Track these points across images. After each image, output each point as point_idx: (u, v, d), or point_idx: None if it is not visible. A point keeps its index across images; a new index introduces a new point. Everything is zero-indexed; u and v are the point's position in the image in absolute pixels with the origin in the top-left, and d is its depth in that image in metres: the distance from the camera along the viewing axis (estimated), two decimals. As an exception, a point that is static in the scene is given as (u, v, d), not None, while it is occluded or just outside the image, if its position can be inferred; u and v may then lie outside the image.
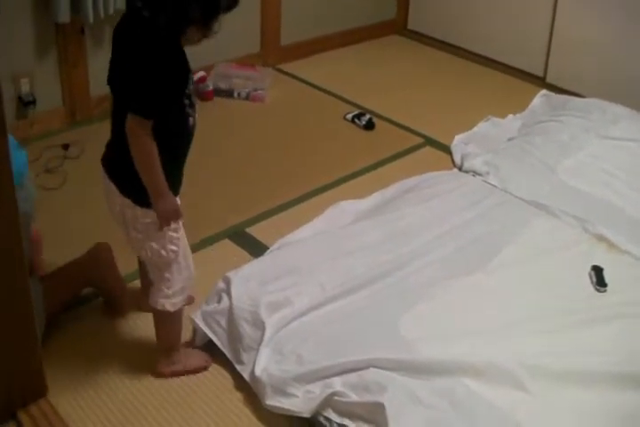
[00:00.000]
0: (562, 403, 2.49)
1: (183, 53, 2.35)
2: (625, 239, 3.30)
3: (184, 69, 2.35)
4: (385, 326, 2.70)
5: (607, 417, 2.47)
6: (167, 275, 2.59)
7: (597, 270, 3.06)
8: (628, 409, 2.49)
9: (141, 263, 2.83)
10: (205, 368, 2.77)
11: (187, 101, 2.40)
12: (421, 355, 2.56)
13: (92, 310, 3.04)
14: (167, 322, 2.70)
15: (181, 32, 2.31)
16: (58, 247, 3.26)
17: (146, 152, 2.35)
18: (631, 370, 2.61)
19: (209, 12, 2.31)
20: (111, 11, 4.07)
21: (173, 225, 2.50)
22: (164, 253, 2.53)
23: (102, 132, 4.15)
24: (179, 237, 2.55)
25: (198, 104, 4.42)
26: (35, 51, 4.12)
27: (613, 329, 2.79)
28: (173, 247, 2.54)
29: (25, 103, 4.14)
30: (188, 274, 2.64)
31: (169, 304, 2.62)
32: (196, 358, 2.79)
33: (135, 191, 2.45)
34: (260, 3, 5.05)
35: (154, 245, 2.52)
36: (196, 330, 2.86)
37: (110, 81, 2.47)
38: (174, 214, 2.47)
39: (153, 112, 2.32)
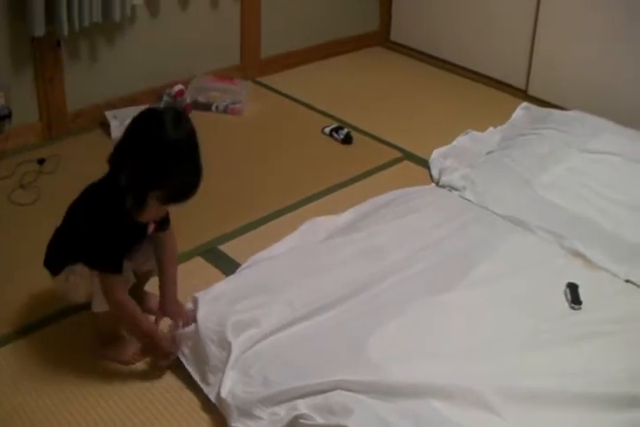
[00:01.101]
0: (534, 426, 2.45)
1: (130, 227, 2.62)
2: (602, 255, 3.26)
3: (125, 238, 2.62)
4: (352, 347, 2.65)
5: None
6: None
7: (572, 288, 3.02)
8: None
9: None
10: (132, 363, 2.84)
11: (126, 259, 2.66)
12: (389, 376, 2.52)
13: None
14: (103, 318, 2.81)
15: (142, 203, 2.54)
16: (29, 264, 3.22)
17: (117, 304, 2.65)
18: (607, 391, 2.56)
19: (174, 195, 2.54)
20: (86, 23, 4.04)
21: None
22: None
23: (78, 147, 4.18)
24: None
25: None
26: (10, 64, 4.08)
27: (588, 348, 2.75)
28: None
29: (0, 117, 4.10)
30: None
31: (95, 306, 2.75)
32: (127, 351, 2.86)
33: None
34: (239, 14, 5.02)
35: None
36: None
37: None
38: (167, 352, 2.77)
39: (115, 267, 2.61)
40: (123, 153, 2.51)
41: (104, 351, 2.86)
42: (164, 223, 2.81)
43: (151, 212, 2.60)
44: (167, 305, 2.83)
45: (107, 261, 2.59)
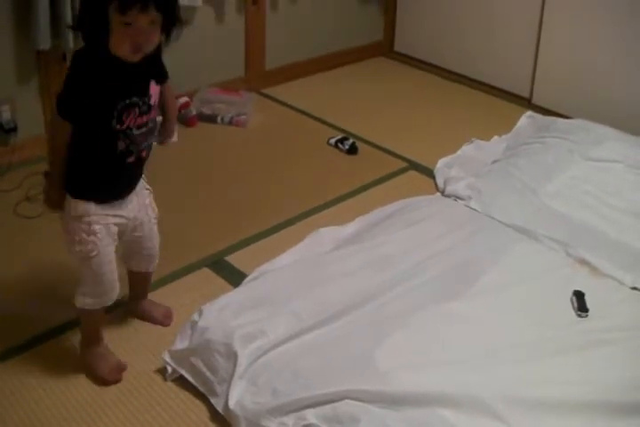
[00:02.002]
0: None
1: (112, 71, 2.41)
2: (608, 263, 3.26)
3: (103, 86, 2.39)
4: (360, 357, 2.65)
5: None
6: (80, 272, 2.74)
7: (579, 296, 3.02)
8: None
9: (130, 273, 3.00)
10: (110, 380, 2.79)
11: (117, 125, 2.45)
12: (396, 386, 2.51)
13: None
14: (81, 317, 2.84)
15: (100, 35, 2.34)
16: (37, 276, 3.25)
17: (51, 140, 2.56)
18: (614, 399, 2.56)
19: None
20: (92, 37, 4.05)
21: (84, 226, 2.61)
22: (72, 249, 2.67)
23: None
24: (91, 242, 2.63)
25: (183, 130, 4.49)
26: (16, 78, 4.11)
27: (595, 356, 2.74)
28: (78, 248, 2.65)
29: (6, 130, 4.13)
30: (99, 289, 2.74)
31: (76, 299, 2.76)
32: (105, 368, 2.81)
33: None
34: (244, 27, 5.04)
35: (65, 237, 2.69)
36: (165, 367, 2.82)
37: None
38: (48, 200, 2.66)
39: (65, 113, 2.43)
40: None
41: (86, 358, 2.84)
42: (160, 73, 2.64)
43: (119, 32, 2.32)
44: (169, 122, 2.91)
45: (62, 100, 2.44)
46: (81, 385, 2.79)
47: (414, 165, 4.34)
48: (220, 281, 3.32)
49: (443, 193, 3.95)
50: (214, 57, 4.93)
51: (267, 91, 5.20)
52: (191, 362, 2.75)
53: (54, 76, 4.18)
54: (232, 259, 3.47)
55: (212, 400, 2.67)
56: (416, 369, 2.61)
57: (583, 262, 3.26)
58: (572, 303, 3.00)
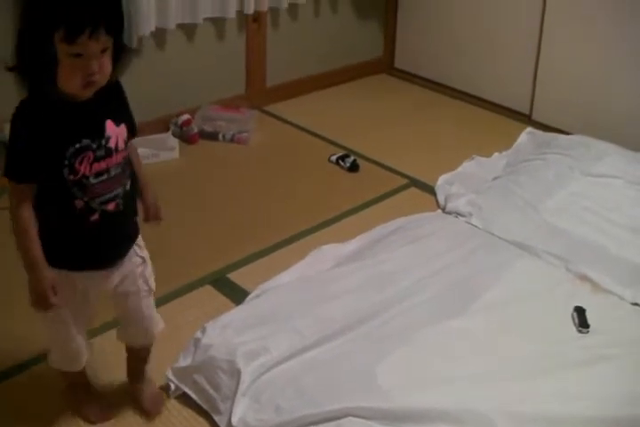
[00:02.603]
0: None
1: (57, 115, 2.10)
2: (608, 279, 3.27)
3: (48, 131, 2.08)
4: (363, 374, 2.66)
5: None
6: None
7: (580, 311, 3.03)
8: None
9: (127, 349, 2.75)
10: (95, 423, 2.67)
11: (68, 176, 2.14)
12: (399, 403, 2.53)
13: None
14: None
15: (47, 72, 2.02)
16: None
17: (14, 218, 2.16)
18: (616, 414, 2.57)
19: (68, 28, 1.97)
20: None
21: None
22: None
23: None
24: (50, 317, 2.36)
25: (184, 147, 4.51)
26: (17, 96, 4.11)
27: (597, 372, 2.75)
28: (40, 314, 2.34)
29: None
30: (61, 352, 2.54)
31: (49, 357, 2.60)
32: (90, 413, 2.69)
33: None
34: (245, 44, 5.06)
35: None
36: (169, 384, 2.83)
37: None
38: (39, 299, 2.25)
39: (17, 174, 2.13)
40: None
41: (69, 399, 2.71)
42: (121, 115, 2.27)
43: (67, 66, 2.01)
44: (147, 196, 2.51)
45: (10, 163, 2.12)
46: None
47: (415, 182, 4.36)
48: (223, 298, 3.32)
49: (444, 210, 3.96)
50: (216, 74, 4.96)
51: (268, 108, 5.22)
52: (194, 379, 2.75)
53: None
54: (234, 276, 3.48)
55: (216, 418, 2.67)
56: (418, 386, 2.62)
57: (584, 278, 3.28)
58: (573, 319, 3.01)
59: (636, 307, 3.15)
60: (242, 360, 2.69)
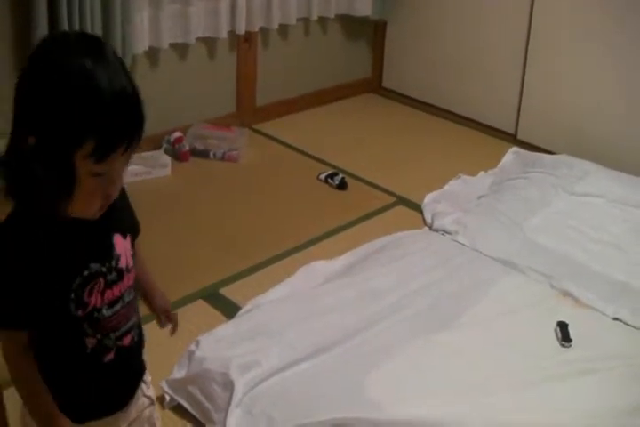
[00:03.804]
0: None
1: (63, 237, 1.65)
2: (591, 294, 3.37)
3: (48, 263, 1.63)
4: (352, 386, 2.73)
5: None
6: None
7: (562, 326, 3.12)
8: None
9: None
10: None
11: (76, 311, 1.69)
12: (387, 414, 2.60)
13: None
14: None
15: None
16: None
17: (12, 369, 1.74)
18: (595, 424, 2.65)
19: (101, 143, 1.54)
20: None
21: None
22: None
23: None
24: None
25: (176, 165, 4.58)
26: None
27: (578, 384, 2.84)
28: None
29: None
30: None
31: None
32: None
33: None
34: (236, 63, 5.14)
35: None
36: (163, 395, 2.88)
37: None
38: None
39: (9, 320, 1.69)
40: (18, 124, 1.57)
41: None
42: (124, 221, 1.84)
43: (88, 186, 1.58)
44: (158, 301, 2.13)
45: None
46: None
47: (402, 200, 4.43)
48: (215, 313, 3.39)
49: (430, 227, 4.03)
50: (207, 93, 5.03)
51: (258, 126, 5.29)
52: (189, 391, 2.81)
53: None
54: (226, 291, 3.54)
55: (209, 428, 2.74)
56: (406, 397, 2.70)
57: (566, 294, 3.37)
58: (556, 334, 3.09)
59: (617, 322, 3.24)
60: (235, 372, 2.75)
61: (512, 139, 5.25)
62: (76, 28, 3.93)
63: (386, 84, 6.07)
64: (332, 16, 5.48)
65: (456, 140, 5.28)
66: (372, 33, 5.96)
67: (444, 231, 3.90)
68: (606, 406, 2.73)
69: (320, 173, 4.63)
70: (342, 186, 4.53)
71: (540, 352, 3.00)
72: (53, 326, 1.71)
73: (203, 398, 2.77)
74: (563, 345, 3.04)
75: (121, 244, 1.77)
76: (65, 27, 3.88)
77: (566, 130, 4.97)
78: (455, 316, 3.18)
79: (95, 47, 1.58)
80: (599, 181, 4.24)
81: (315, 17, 5.35)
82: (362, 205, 4.36)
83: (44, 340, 1.73)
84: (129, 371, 1.92)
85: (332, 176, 4.58)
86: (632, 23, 4.55)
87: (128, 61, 4.31)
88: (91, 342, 1.74)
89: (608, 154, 4.65)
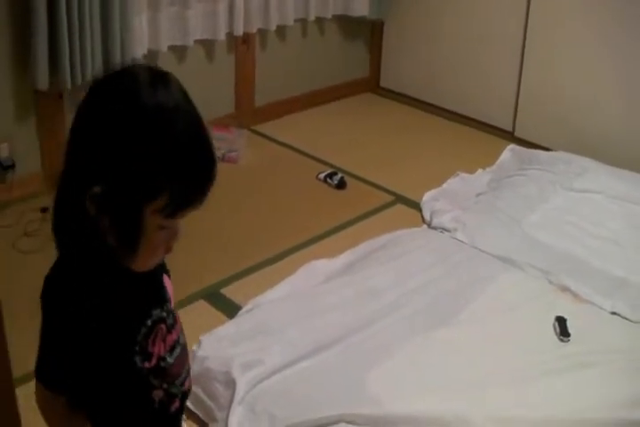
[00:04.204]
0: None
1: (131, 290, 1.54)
2: (588, 289, 3.39)
3: (122, 319, 1.49)
4: (353, 383, 2.76)
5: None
6: None
7: (561, 321, 3.14)
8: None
9: None
10: None
11: (142, 364, 1.53)
12: (388, 409, 2.63)
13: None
14: None
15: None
16: (35, 312, 3.32)
17: None
18: (594, 416, 2.68)
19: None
20: (89, 76, 4.14)
21: None
22: None
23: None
24: None
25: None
26: (14, 116, 4.20)
27: (578, 379, 2.86)
28: None
29: (4, 167, 4.21)
30: None
31: None
32: None
33: None
34: (234, 65, 5.17)
35: None
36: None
37: None
38: None
39: (55, 382, 1.54)
40: (80, 165, 1.43)
41: None
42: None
43: (155, 240, 1.47)
44: None
45: (48, 365, 1.55)
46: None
47: (401, 199, 4.46)
48: (216, 312, 3.41)
49: (429, 225, 4.06)
50: (206, 95, 5.02)
51: (257, 127, 5.31)
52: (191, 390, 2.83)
53: (51, 114, 4.30)
54: (227, 291, 3.57)
55: (211, 425, 2.76)
56: (407, 394, 2.73)
57: (565, 289, 3.39)
58: (555, 329, 3.12)
59: (615, 316, 3.27)
60: (237, 371, 2.78)
61: (510, 136, 5.27)
62: (75, 31, 3.96)
63: (383, 83, 6.09)
64: (330, 16, 5.50)
65: (454, 139, 5.30)
66: (369, 33, 5.98)
67: (443, 229, 3.92)
68: (605, 400, 2.76)
69: (319, 173, 4.66)
70: (341, 185, 4.55)
71: (538, 347, 3.03)
72: (115, 385, 1.54)
73: (205, 397, 2.80)
74: (561, 340, 3.06)
75: (168, 283, 1.69)
76: (64, 31, 3.91)
77: (564, 127, 4.99)
78: (454, 313, 3.20)
79: (166, 83, 1.45)
80: (597, 177, 4.26)
81: (312, 17, 5.38)
82: (361, 204, 4.38)
83: (104, 400, 1.56)
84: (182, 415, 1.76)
85: (331, 176, 4.60)
86: (631, 19, 4.57)
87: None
88: (158, 394, 1.59)
89: (606, 150, 4.67)
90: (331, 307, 3.20)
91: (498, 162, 4.79)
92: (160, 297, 1.61)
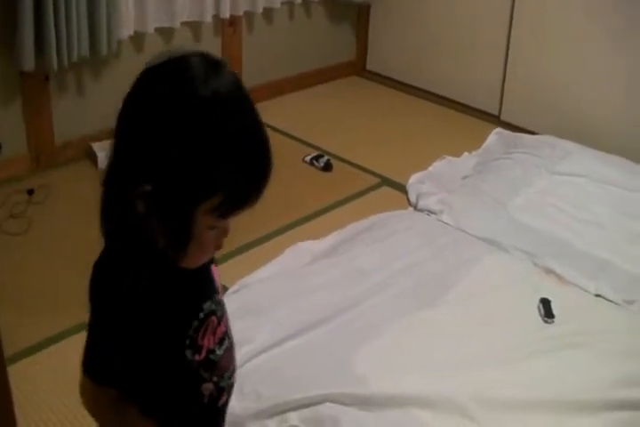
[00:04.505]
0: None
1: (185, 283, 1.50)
2: (573, 272, 3.42)
3: (178, 310, 1.48)
4: (340, 362, 2.78)
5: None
6: None
7: (545, 302, 3.17)
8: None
9: None
10: None
11: (194, 356, 1.52)
12: (374, 389, 2.65)
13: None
14: None
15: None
16: (22, 292, 3.33)
17: None
18: (580, 397, 2.70)
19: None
20: (75, 58, 4.14)
21: None
22: None
23: (67, 178, 4.28)
24: None
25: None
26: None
27: (563, 359, 2.89)
28: None
29: (-10, 150, 4.21)
30: None
31: None
32: None
33: None
34: (220, 46, 5.16)
35: None
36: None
37: None
38: None
39: (106, 376, 1.49)
40: (129, 156, 1.39)
41: None
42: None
43: (205, 240, 1.44)
44: None
45: (102, 358, 1.49)
46: (72, 393, 2.88)
47: (387, 181, 4.47)
48: (203, 294, 3.41)
49: (415, 208, 4.07)
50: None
51: (243, 109, 5.29)
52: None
53: (37, 96, 4.29)
54: (213, 272, 3.57)
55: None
56: (392, 373, 2.75)
57: (549, 272, 3.42)
58: (539, 310, 3.14)
59: (599, 298, 3.30)
60: (224, 351, 2.79)
61: (496, 120, 5.28)
62: (62, 12, 3.95)
63: (370, 66, 6.09)
64: (316, -1, 5.50)
65: (440, 122, 5.31)
66: (355, 16, 5.98)
67: (429, 211, 3.93)
68: (590, 380, 2.78)
69: (305, 156, 4.66)
70: (327, 168, 4.56)
71: (523, 329, 3.05)
72: (165, 378, 1.52)
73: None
74: (545, 321, 3.09)
75: (216, 273, 1.64)
76: (50, 12, 3.90)
77: (549, 110, 5.01)
78: (440, 294, 3.22)
79: (220, 71, 1.39)
80: (581, 160, 4.28)
81: (299, 0, 5.38)
82: (347, 187, 4.39)
83: (154, 395, 1.54)
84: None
85: (317, 158, 4.61)
86: (620, 2, 4.57)
87: (113, 47, 4.33)
88: (208, 388, 1.57)
89: (591, 134, 4.69)
90: (318, 287, 3.21)
91: (484, 145, 4.80)
92: (210, 289, 1.58)
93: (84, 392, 1.52)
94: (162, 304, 1.43)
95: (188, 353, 1.50)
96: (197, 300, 1.52)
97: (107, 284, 1.44)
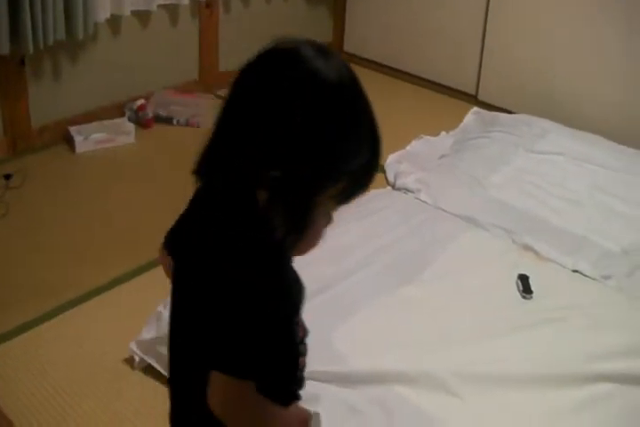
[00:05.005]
0: (491, 405, 2.59)
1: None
2: (550, 248, 3.45)
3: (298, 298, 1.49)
4: (320, 340, 2.72)
5: (535, 415, 2.59)
6: None
7: (523, 279, 3.19)
8: (552, 405, 2.61)
9: None
10: None
11: (299, 334, 1.57)
12: (354, 366, 2.66)
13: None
14: None
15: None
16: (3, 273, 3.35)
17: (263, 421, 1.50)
18: (561, 371, 2.73)
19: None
20: (51, 41, 4.12)
21: None
22: None
23: (44, 162, 4.28)
24: None
25: (139, 131, 4.60)
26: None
27: (541, 334, 2.91)
28: None
29: (-34, 134, 4.19)
30: None
31: None
32: None
33: None
34: (198, 30, 5.15)
35: None
36: (133, 357, 2.94)
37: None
38: None
39: (250, 369, 1.42)
40: (244, 144, 1.38)
41: None
42: None
43: (319, 227, 1.48)
44: None
45: (221, 353, 1.42)
46: (49, 375, 2.91)
47: (365, 161, 4.46)
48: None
49: (393, 187, 4.09)
50: (170, 60, 5.03)
51: (221, 92, 5.27)
52: (159, 351, 2.85)
53: (13, 79, 4.27)
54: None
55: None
56: (373, 351, 2.76)
57: (527, 248, 3.44)
58: (518, 286, 3.17)
59: (576, 274, 3.33)
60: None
61: (473, 100, 5.31)
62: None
63: (347, 48, 6.09)
64: (293, -20, 5.49)
65: (418, 102, 5.33)
66: (332, -3, 5.97)
67: (407, 190, 3.95)
68: (568, 354, 2.80)
69: (284, 137, 4.64)
70: (307, 149, 4.54)
71: (502, 304, 3.07)
72: (283, 360, 1.54)
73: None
74: (524, 297, 3.11)
75: None
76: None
77: (526, 90, 5.04)
78: (418, 271, 3.23)
79: (332, 56, 1.41)
80: (558, 139, 4.31)
81: (275, -19, 5.37)
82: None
83: (261, 371, 1.46)
84: None
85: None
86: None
87: (90, 30, 4.32)
88: (303, 361, 1.61)
89: (568, 113, 4.73)
90: (298, 265, 3.20)
91: (461, 125, 4.83)
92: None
93: (214, 395, 1.42)
94: (295, 294, 1.46)
95: (299, 331, 1.53)
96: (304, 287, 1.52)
97: (228, 282, 1.41)
